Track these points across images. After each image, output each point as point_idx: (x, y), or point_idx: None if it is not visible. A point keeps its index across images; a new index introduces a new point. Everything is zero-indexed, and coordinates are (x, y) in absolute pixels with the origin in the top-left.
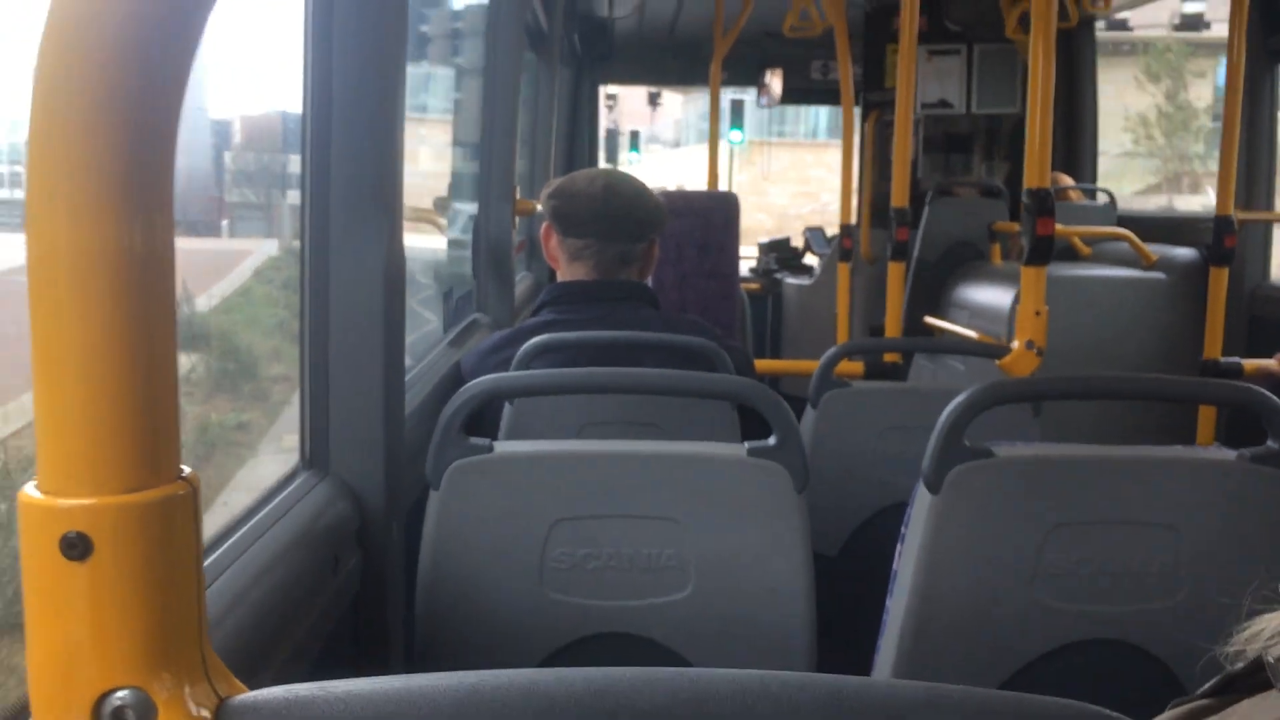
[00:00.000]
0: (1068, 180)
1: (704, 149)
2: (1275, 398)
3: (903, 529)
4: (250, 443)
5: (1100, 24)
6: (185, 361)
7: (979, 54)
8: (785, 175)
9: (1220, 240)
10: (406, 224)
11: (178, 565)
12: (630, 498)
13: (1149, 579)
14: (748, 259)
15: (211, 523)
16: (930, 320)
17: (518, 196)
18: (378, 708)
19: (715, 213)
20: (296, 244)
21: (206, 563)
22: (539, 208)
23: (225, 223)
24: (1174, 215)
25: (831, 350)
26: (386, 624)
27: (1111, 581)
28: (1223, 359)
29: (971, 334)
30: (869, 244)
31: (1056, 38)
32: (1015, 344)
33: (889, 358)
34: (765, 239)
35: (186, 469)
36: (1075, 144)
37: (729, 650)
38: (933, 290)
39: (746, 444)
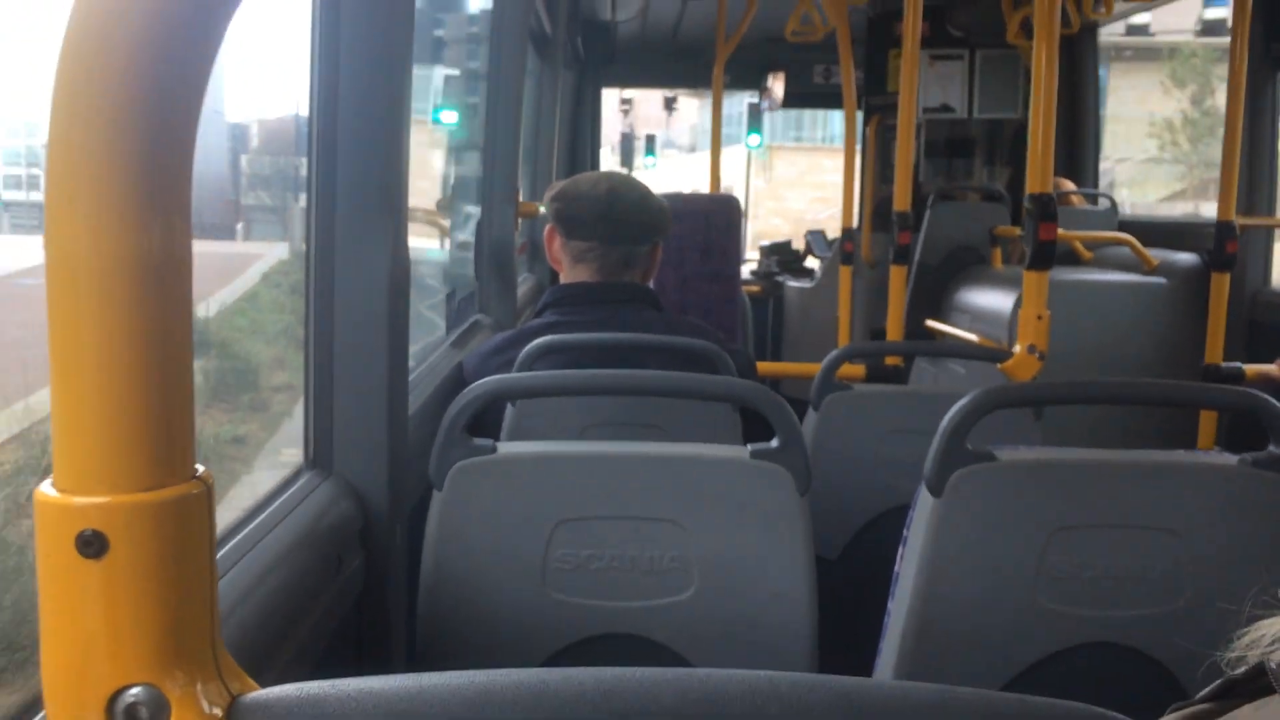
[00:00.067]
0: (1070, 185)
1: (721, 155)
2: (1277, 403)
3: (904, 532)
4: (246, 457)
5: (1120, 30)
6: None
7: (981, 59)
8: (802, 180)
9: (1222, 245)
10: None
11: (192, 564)
12: (633, 499)
13: (1150, 583)
14: (749, 262)
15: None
16: (931, 324)
17: (520, 199)
18: (389, 706)
19: (717, 215)
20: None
21: None
22: (542, 210)
23: (240, 225)
24: (1175, 220)
25: (833, 353)
26: (389, 624)
27: (1113, 585)
28: (1224, 364)
29: (973, 338)
30: (870, 247)
31: (1059, 43)
32: (1017, 348)
33: (890, 361)
34: (767, 242)
35: (200, 468)
36: (1077, 149)
37: (731, 652)
38: (934, 294)
39: (749, 446)
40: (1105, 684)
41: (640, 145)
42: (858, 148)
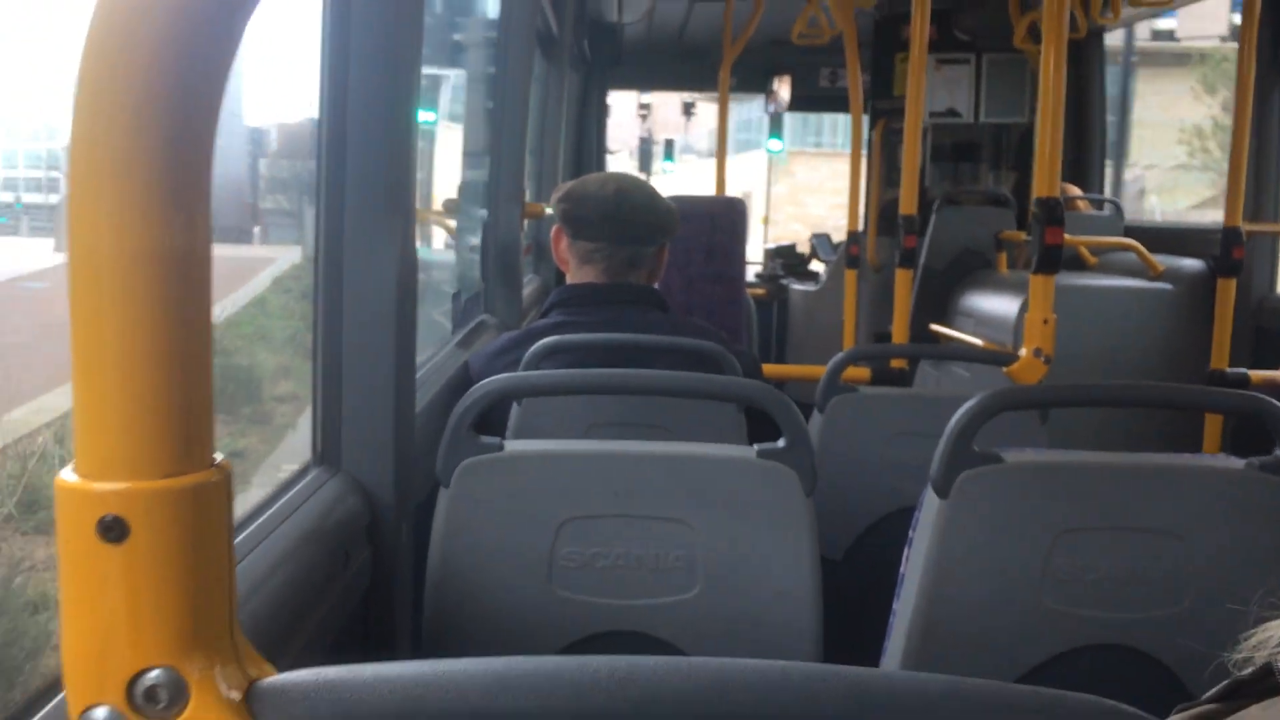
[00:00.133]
0: (1075, 190)
1: (739, 160)
2: None
3: (910, 533)
4: (243, 473)
5: (1145, 36)
6: None
7: (988, 63)
8: (822, 186)
9: (1228, 251)
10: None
11: (211, 549)
12: (639, 498)
13: (1155, 585)
14: (754, 264)
15: None
16: (936, 328)
17: (526, 199)
18: (405, 691)
19: (722, 217)
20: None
21: None
22: (548, 210)
23: (257, 229)
24: (1181, 226)
25: (839, 355)
26: (395, 619)
27: (1118, 587)
28: (1229, 369)
29: (977, 342)
30: (875, 251)
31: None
32: (1023, 352)
33: (895, 364)
34: (772, 245)
35: (219, 456)
36: (1083, 154)
37: (735, 650)
38: (939, 298)
39: (755, 446)
40: (1109, 686)
41: (659, 150)
42: (863, 152)
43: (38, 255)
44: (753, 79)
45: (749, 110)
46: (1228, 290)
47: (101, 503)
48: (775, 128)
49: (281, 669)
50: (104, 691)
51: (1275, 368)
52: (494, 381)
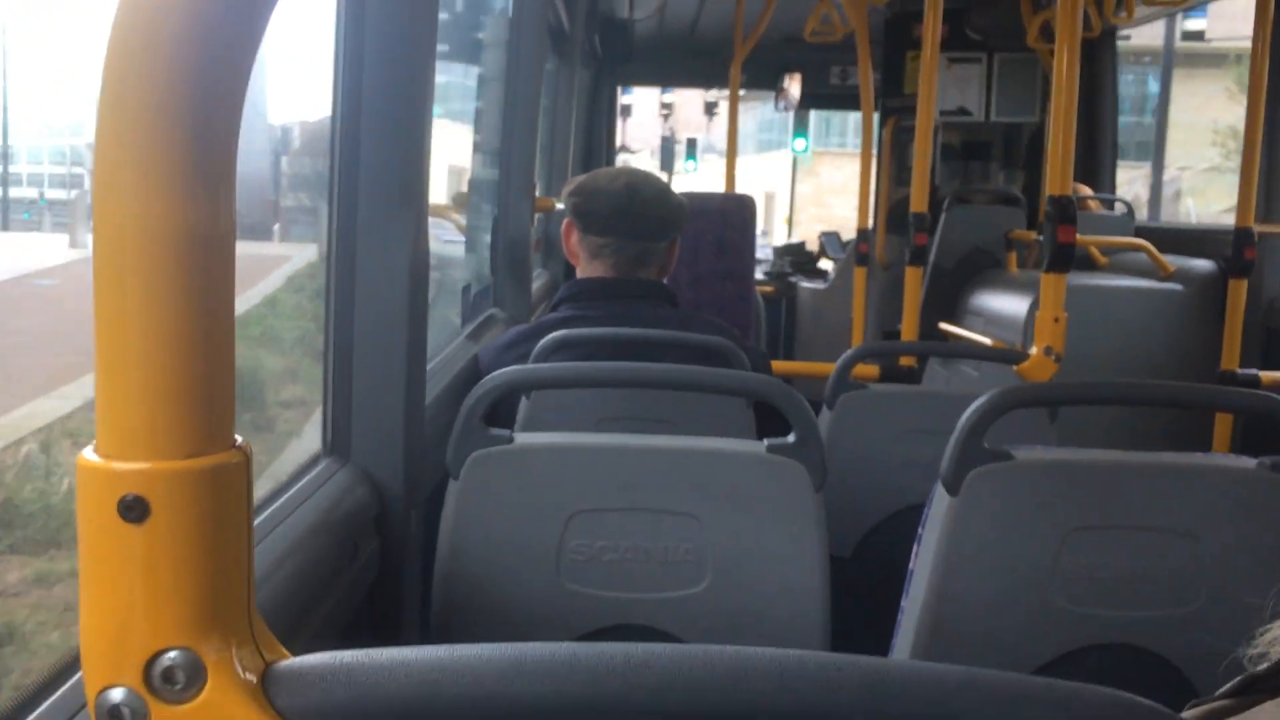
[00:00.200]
0: (1087, 190)
1: (762, 160)
2: None
3: (920, 530)
4: None
5: (1177, 37)
6: None
7: (999, 62)
8: (846, 187)
9: (1240, 252)
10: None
11: (230, 531)
12: (649, 492)
13: (1165, 584)
14: (763, 262)
15: None
16: (945, 327)
17: (537, 194)
18: (421, 675)
19: (732, 214)
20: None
21: None
22: (558, 205)
23: (276, 226)
24: (1192, 227)
25: (849, 352)
26: (402, 611)
27: (1127, 586)
28: (1239, 370)
29: (986, 341)
30: (884, 249)
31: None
32: (1033, 350)
33: (905, 362)
34: (780, 243)
35: (239, 439)
36: (1094, 154)
37: (743, 645)
38: (948, 297)
39: (765, 441)
40: (1117, 685)
41: (681, 149)
42: (874, 150)
43: (51, 251)
44: (763, 76)
45: (772, 109)
46: (1239, 291)
47: (122, 482)
48: (800, 127)
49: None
50: (121, 672)
51: None
52: (504, 374)
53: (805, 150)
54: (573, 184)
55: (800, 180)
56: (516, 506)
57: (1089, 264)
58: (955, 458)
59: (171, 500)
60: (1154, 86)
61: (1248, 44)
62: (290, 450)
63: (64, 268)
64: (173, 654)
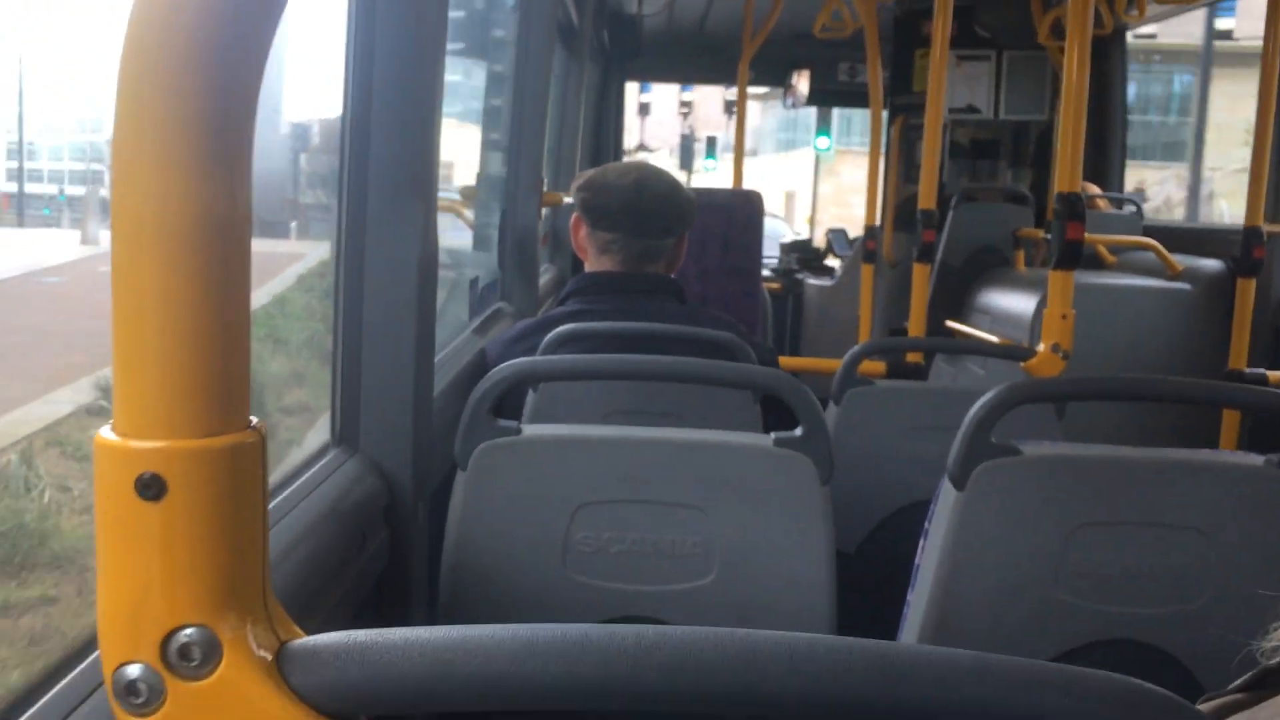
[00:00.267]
0: (1095, 189)
1: (781, 159)
2: None
3: (926, 525)
4: None
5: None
6: None
7: (1008, 60)
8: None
9: (1249, 251)
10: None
11: (246, 510)
12: (656, 484)
13: (1172, 581)
14: (769, 258)
15: None
16: (951, 324)
17: (545, 189)
18: (434, 655)
19: (739, 211)
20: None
21: None
22: (566, 200)
23: (294, 224)
24: (1201, 227)
25: (856, 348)
26: (410, 600)
27: (1134, 582)
28: (1247, 369)
29: (993, 339)
30: (891, 247)
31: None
32: (1040, 347)
33: (911, 359)
34: (787, 239)
35: (254, 419)
36: (1103, 153)
37: None
38: (955, 294)
39: (773, 434)
40: None
41: (701, 147)
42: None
43: (62, 248)
44: (772, 73)
45: (793, 110)
46: (1247, 290)
47: (140, 460)
48: (823, 125)
49: None
50: (138, 649)
51: None
52: (513, 365)
53: (828, 149)
54: (582, 178)
55: (821, 180)
56: (524, 498)
57: (1097, 263)
58: (962, 452)
59: (188, 479)
60: (1180, 85)
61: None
62: (290, 459)
63: (73, 265)
64: (189, 631)
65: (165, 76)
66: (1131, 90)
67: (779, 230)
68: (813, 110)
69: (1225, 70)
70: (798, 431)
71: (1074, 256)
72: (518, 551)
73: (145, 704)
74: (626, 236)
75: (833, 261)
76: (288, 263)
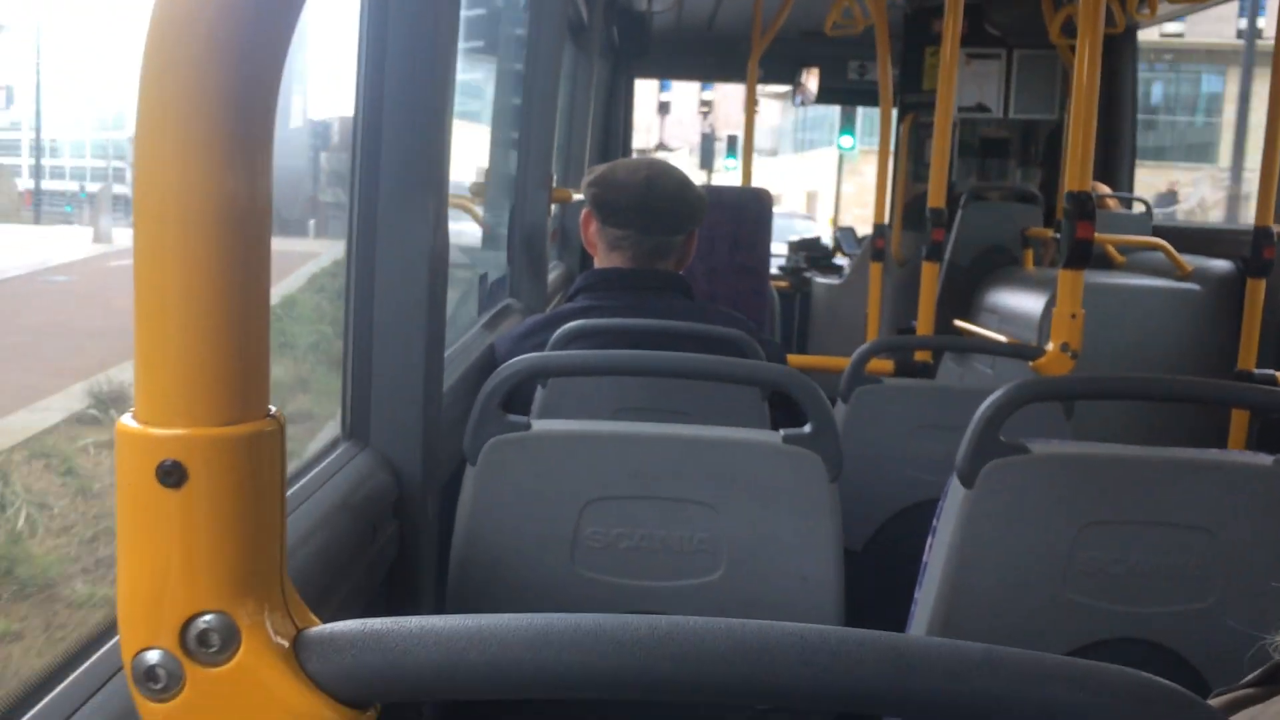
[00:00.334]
0: (1105, 189)
1: (802, 159)
2: None
3: (934, 522)
4: None
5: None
6: None
7: (1019, 58)
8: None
9: (1259, 251)
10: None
11: (264, 498)
12: (665, 480)
13: (1180, 580)
14: (777, 256)
15: None
16: (960, 324)
17: (554, 185)
18: (449, 643)
19: (748, 209)
20: None
21: None
22: (575, 196)
23: (312, 222)
24: (1210, 227)
25: (864, 345)
26: (420, 594)
27: (1142, 581)
28: (1256, 370)
29: (1001, 339)
30: (900, 245)
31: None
32: (1049, 346)
33: (920, 357)
34: (796, 238)
35: (273, 408)
36: (1113, 152)
37: None
38: (963, 294)
39: (781, 431)
40: None
41: (721, 146)
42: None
43: (74, 246)
44: (781, 70)
45: (814, 109)
46: (1257, 291)
47: (161, 448)
48: (847, 124)
49: None
50: (158, 635)
51: None
52: (523, 360)
53: (852, 148)
54: (593, 174)
55: (844, 179)
56: (533, 493)
57: (1106, 263)
58: (971, 450)
59: (208, 466)
60: (1207, 86)
61: None
62: (288, 469)
63: (83, 263)
64: (208, 617)
65: (187, 69)
66: (1158, 90)
67: (808, 230)
68: (834, 110)
69: (1256, 69)
70: (806, 429)
71: (1084, 256)
72: (526, 546)
73: (164, 689)
74: (637, 233)
75: (841, 260)
76: (301, 262)
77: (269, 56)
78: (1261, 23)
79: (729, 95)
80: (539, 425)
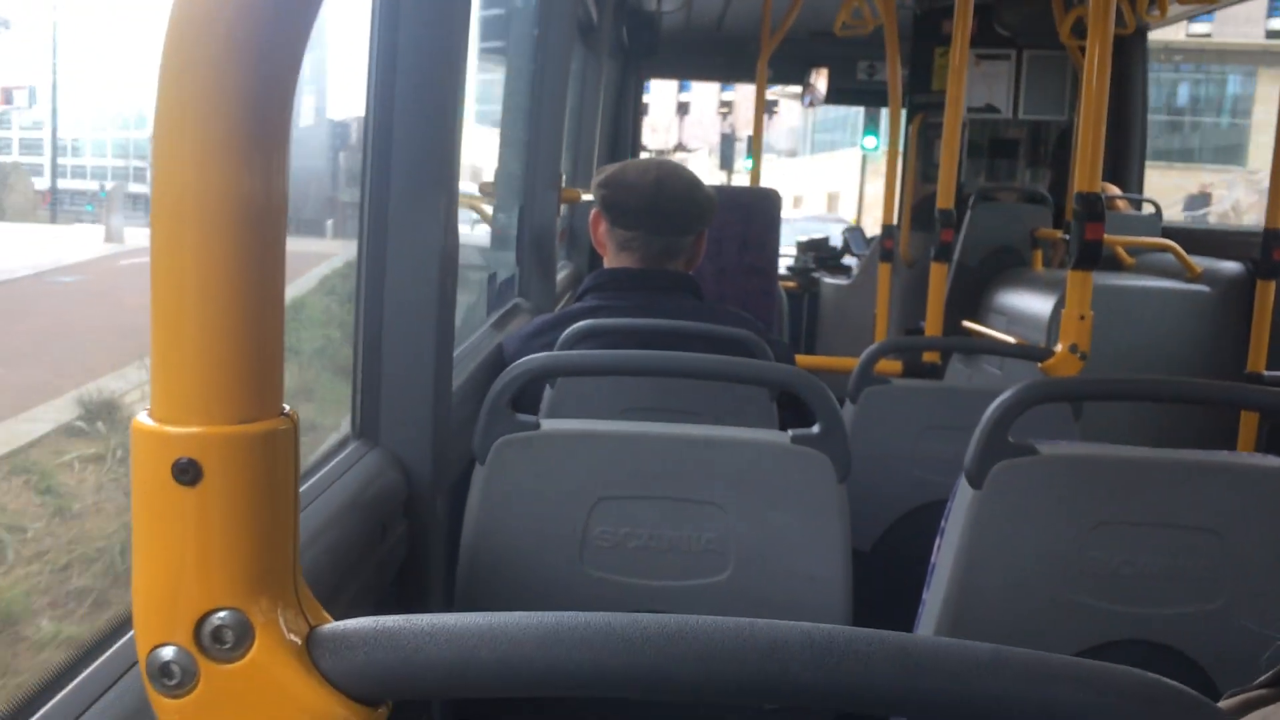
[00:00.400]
0: (1115, 190)
1: (821, 160)
2: None
3: (942, 523)
4: None
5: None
6: None
7: (1028, 59)
8: None
9: (1269, 254)
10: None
11: (279, 495)
12: (673, 480)
13: (1189, 582)
14: (786, 257)
15: None
16: (968, 324)
17: (563, 185)
18: (461, 641)
19: (757, 209)
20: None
21: None
22: (584, 196)
23: (330, 222)
24: (1220, 229)
25: (873, 346)
26: (429, 593)
27: (1151, 583)
28: (1266, 372)
29: (1010, 340)
30: (908, 246)
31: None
32: (1058, 347)
33: (928, 358)
34: (804, 238)
35: (287, 406)
36: (1122, 153)
37: None
38: (972, 294)
39: (790, 431)
40: None
41: (741, 147)
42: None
43: (85, 245)
44: (790, 71)
45: (835, 109)
46: (1267, 292)
47: (177, 445)
48: (871, 125)
49: None
50: (172, 631)
51: None
52: (532, 360)
53: (876, 148)
54: (602, 174)
55: (866, 180)
56: (542, 492)
57: (1115, 264)
58: (979, 451)
59: (224, 464)
60: (1235, 87)
61: None
62: None
63: (92, 263)
64: (222, 614)
65: (205, 69)
66: (1184, 91)
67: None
68: (854, 111)
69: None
70: (815, 429)
71: (1093, 257)
72: (535, 545)
73: (179, 686)
74: (646, 234)
75: (849, 260)
76: (314, 263)
77: (286, 57)
78: (1276, 24)
79: (749, 96)
80: (547, 425)
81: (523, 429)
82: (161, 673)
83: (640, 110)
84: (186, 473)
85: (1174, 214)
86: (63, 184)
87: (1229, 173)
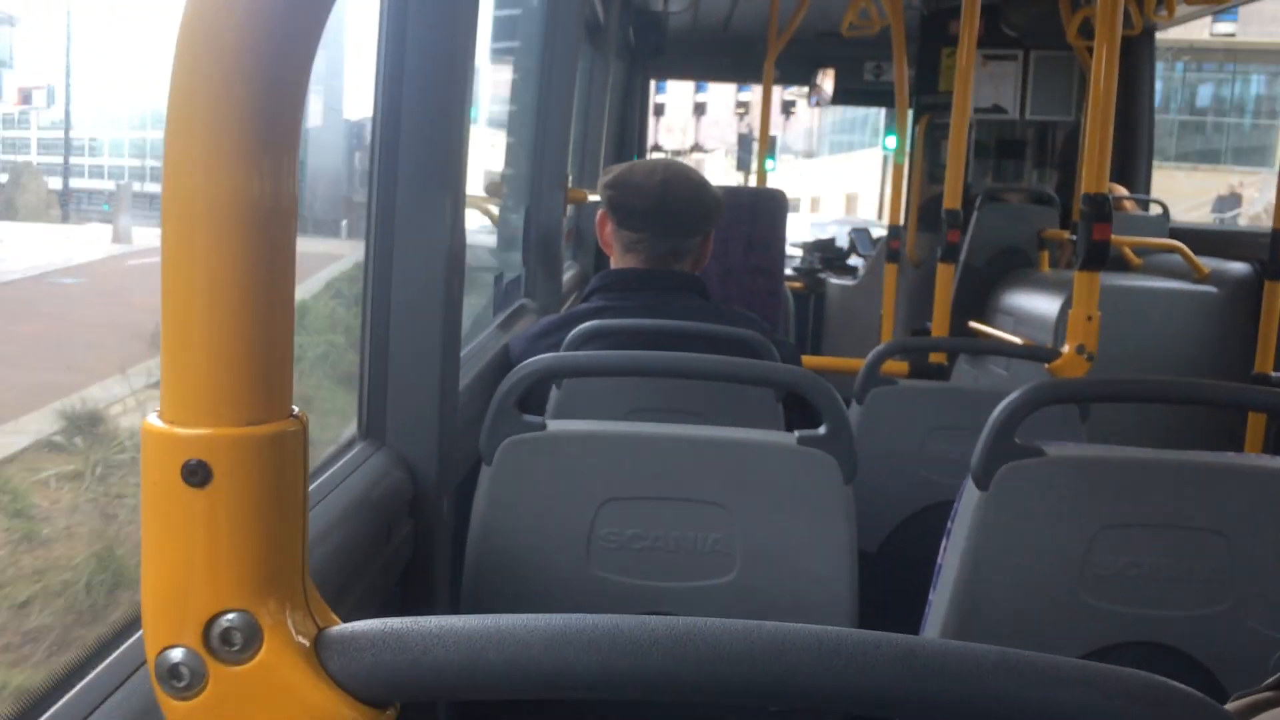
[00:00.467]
0: (1122, 190)
1: (838, 161)
2: None
3: (949, 524)
4: None
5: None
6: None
7: (1035, 60)
8: None
9: (1276, 254)
10: None
11: (287, 497)
12: (680, 481)
13: (1196, 584)
14: (792, 257)
15: None
16: (975, 325)
17: (569, 186)
18: (469, 643)
19: (763, 209)
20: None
21: None
22: (591, 197)
23: (344, 222)
24: (1228, 229)
25: (880, 347)
26: (435, 593)
27: (1158, 585)
28: (1274, 373)
29: (1016, 341)
30: (915, 247)
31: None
32: (1065, 348)
33: (934, 359)
34: (811, 239)
35: (296, 408)
36: (1130, 154)
37: None
38: (978, 295)
39: (796, 432)
40: None
41: (758, 148)
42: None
43: (91, 245)
44: (797, 71)
45: (856, 110)
46: (1275, 293)
47: (186, 447)
48: (891, 125)
49: None
50: (181, 633)
51: None
52: (538, 360)
53: (896, 148)
54: (609, 176)
55: (885, 181)
56: (548, 493)
57: (1123, 265)
58: (986, 452)
59: (233, 466)
60: (1257, 87)
61: None
62: None
63: (97, 264)
64: (231, 616)
65: (216, 71)
66: (1207, 92)
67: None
68: (872, 112)
69: None
70: (821, 430)
71: (1100, 258)
72: (541, 546)
73: (187, 687)
74: (652, 235)
75: (856, 261)
76: (323, 264)
77: (296, 59)
78: None
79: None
80: (554, 425)
81: (529, 430)
82: (170, 674)
83: (646, 110)
84: (196, 474)
85: (1202, 215)
86: (81, 183)
87: (1255, 174)
